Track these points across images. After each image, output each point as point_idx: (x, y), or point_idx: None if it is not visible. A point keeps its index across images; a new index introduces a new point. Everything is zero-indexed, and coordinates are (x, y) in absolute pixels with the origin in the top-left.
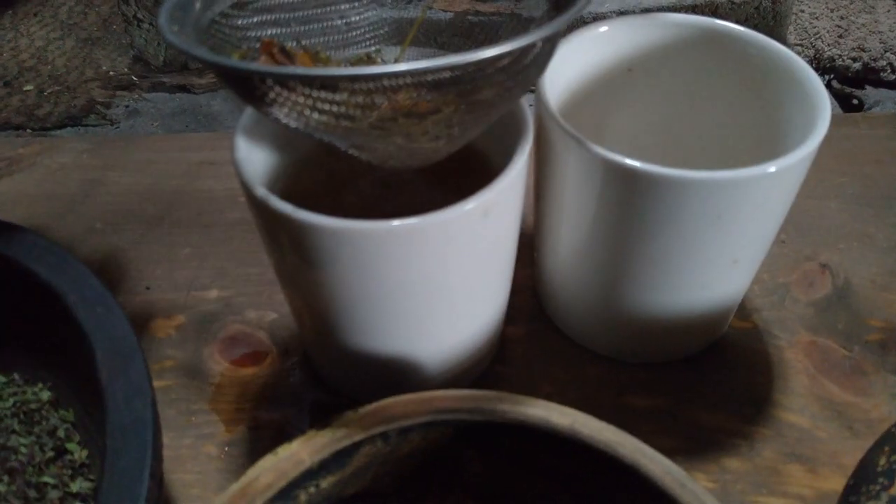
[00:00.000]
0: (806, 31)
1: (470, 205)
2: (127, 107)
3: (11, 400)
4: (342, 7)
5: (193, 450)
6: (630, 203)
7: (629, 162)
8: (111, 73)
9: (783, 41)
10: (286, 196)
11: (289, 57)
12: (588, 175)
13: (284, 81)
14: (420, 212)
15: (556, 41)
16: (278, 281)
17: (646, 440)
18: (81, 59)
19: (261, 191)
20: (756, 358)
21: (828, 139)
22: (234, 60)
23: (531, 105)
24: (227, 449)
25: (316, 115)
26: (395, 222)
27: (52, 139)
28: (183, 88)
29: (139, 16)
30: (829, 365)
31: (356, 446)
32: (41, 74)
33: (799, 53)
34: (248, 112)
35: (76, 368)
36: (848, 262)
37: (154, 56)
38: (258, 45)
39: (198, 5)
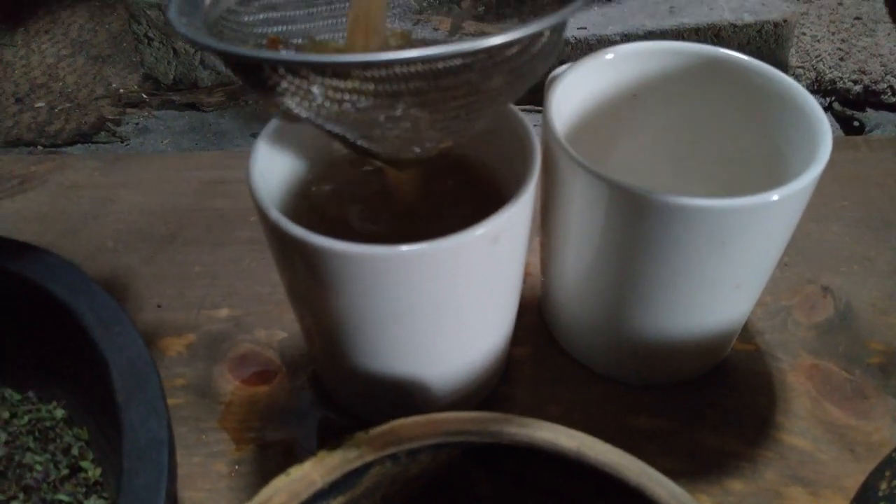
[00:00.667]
0: (807, 54)
1: (479, 231)
2: (137, 124)
3: (26, 417)
4: (345, 18)
5: (203, 468)
6: (635, 228)
7: (634, 188)
8: (121, 90)
9: (785, 63)
10: (297, 213)
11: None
12: (594, 200)
13: (296, 69)
14: (429, 231)
15: (562, 31)
16: (289, 300)
17: (650, 461)
18: (92, 77)
19: (275, 214)
20: (758, 380)
21: (829, 163)
22: (246, 49)
23: (536, 126)
24: (237, 467)
25: (327, 104)
26: (405, 247)
27: (63, 157)
28: (192, 106)
29: (149, 34)
30: (830, 388)
31: (366, 467)
32: (52, 91)
33: (800, 76)
34: (264, 136)
35: (90, 387)
36: (849, 286)
37: (164, 74)
38: (264, 42)
39: (206, 0)
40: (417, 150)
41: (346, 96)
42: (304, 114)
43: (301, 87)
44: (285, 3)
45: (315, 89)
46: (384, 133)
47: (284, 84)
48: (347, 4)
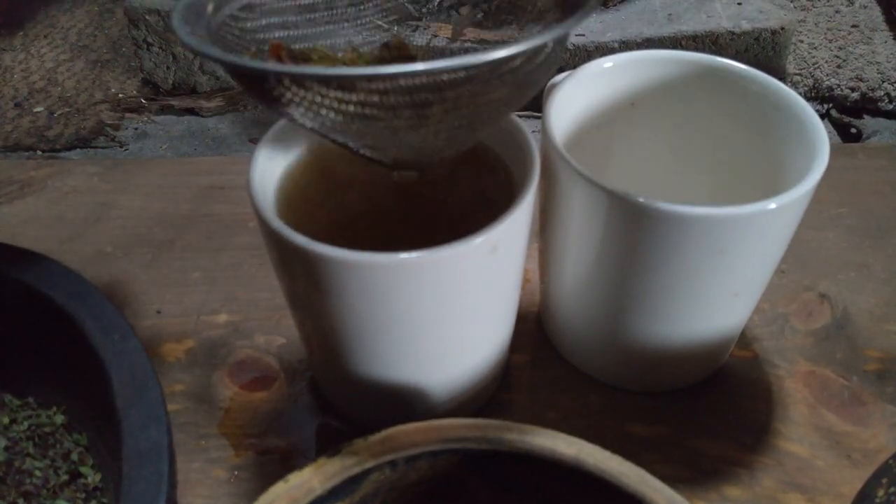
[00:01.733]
0: (805, 61)
1: (478, 239)
2: (136, 129)
3: (26, 423)
4: (346, 23)
5: (203, 474)
6: (633, 236)
7: (633, 197)
8: (120, 95)
9: (782, 71)
10: (297, 220)
11: (296, 60)
12: (592, 208)
13: (301, 81)
14: (432, 221)
15: (565, 42)
16: (288, 306)
17: (648, 468)
18: (91, 81)
19: (274, 220)
20: (756, 387)
21: (826, 170)
22: (253, 60)
23: (535, 132)
24: (236, 473)
25: (332, 115)
26: (404, 255)
27: (62, 162)
28: (191, 111)
29: (149, 39)
30: (827, 394)
31: (365, 474)
32: (51, 96)
33: (798, 83)
34: (264, 142)
35: (90, 393)
36: (846, 293)
37: (163, 79)
38: (266, 48)
39: (210, 7)
40: (420, 158)
41: (351, 108)
42: (308, 124)
43: (306, 97)
44: (286, 9)
45: (319, 100)
46: (388, 143)
47: (289, 95)
48: (345, 10)
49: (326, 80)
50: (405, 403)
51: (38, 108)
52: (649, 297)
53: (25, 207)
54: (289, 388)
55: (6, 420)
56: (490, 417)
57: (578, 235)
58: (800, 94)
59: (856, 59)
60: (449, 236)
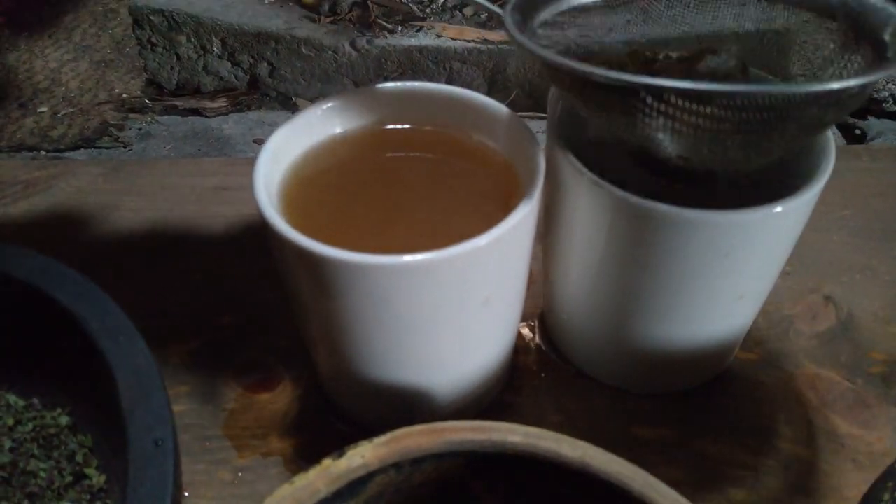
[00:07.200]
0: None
1: (483, 241)
2: (139, 129)
3: (31, 424)
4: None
5: (207, 475)
6: (638, 239)
7: (638, 199)
8: (124, 95)
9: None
10: (301, 221)
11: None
12: (597, 210)
13: (660, 93)
14: (438, 222)
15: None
16: (292, 307)
17: (652, 471)
18: (95, 82)
19: (278, 222)
20: (761, 389)
21: (831, 172)
22: (627, 75)
23: (539, 132)
24: (240, 474)
25: (678, 127)
26: (408, 258)
27: (67, 162)
28: (195, 112)
29: (153, 39)
30: (832, 397)
31: (370, 476)
32: (55, 96)
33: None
34: (268, 143)
35: (95, 394)
36: (851, 295)
37: (167, 79)
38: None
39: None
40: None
41: (700, 121)
42: (647, 131)
43: (657, 109)
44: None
45: (671, 112)
46: (701, 151)
47: (643, 107)
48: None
49: (688, 94)
50: (409, 405)
51: (42, 109)
52: (654, 300)
53: (30, 208)
54: (293, 389)
55: (11, 421)
56: (494, 420)
57: (583, 237)
58: None
59: None
60: (454, 238)
